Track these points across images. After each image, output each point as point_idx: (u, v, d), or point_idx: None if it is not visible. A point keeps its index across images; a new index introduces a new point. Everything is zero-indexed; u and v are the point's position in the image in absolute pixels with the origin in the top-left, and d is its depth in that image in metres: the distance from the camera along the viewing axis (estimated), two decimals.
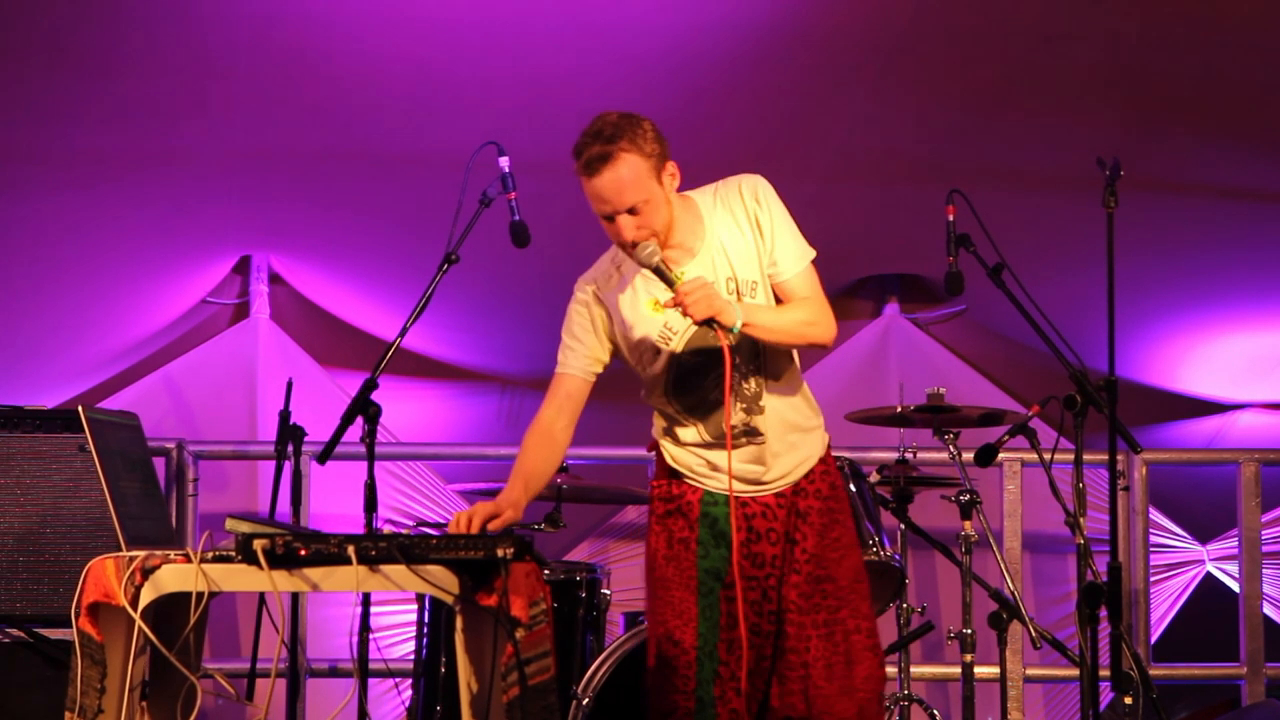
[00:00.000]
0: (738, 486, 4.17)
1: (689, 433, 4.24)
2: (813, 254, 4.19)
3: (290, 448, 5.58)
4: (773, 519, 4.20)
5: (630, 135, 4.05)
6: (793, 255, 4.17)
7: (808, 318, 4.13)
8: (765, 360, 4.19)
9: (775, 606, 4.19)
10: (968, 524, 5.52)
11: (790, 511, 4.21)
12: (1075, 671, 5.49)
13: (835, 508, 4.25)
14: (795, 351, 4.25)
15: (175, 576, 3.95)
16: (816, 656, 4.15)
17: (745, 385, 4.18)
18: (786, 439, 4.21)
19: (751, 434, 4.19)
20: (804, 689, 4.15)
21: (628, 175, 4.03)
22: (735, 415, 4.16)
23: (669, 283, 4.04)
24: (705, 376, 4.17)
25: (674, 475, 4.27)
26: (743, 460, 4.19)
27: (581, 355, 4.33)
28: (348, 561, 3.87)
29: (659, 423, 4.33)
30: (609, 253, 4.30)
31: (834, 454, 4.37)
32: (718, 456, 4.19)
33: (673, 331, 4.17)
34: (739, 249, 4.17)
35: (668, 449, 4.29)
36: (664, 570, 4.22)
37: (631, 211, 4.04)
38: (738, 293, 4.14)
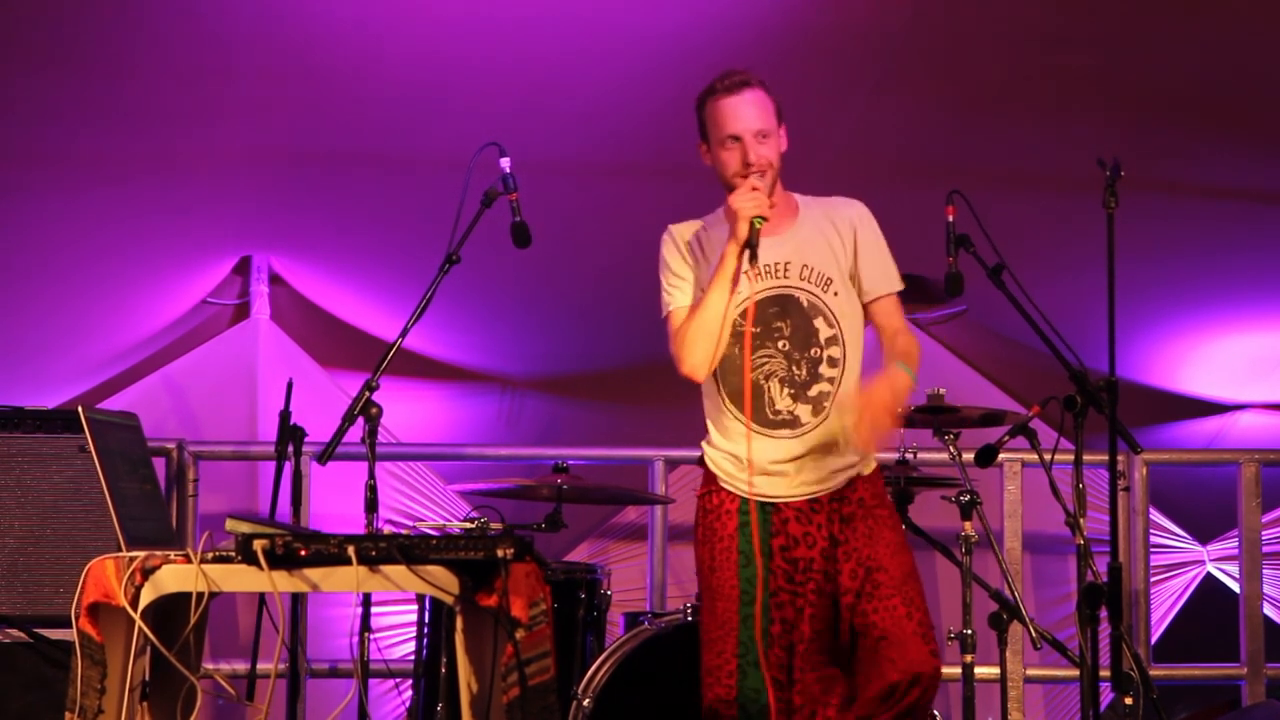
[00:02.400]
0: (766, 488, 4.22)
1: (731, 425, 4.27)
2: (901, 285, 4.33)
3: (290, 448, 5.58)
4: (807, 523, 4.24)
5: (765, 82, 4.29)
6: (888, 275, 4.33)
7: (916, 352, 4.31)
8: (830, 352, 4.24)
9: (821, 612, 4.20)
10: (968, 524, 5.51)
11: (830, 516, 4.24)
12: (1075, 672, 5.49)
13: (882, 515, 4.29)
14: (859, 354, 4.32)
15: (175, 577, 3.95)
16: (859, 641, 4.17)
17: (796, 371, 4.23)
18: (833, 444, 4.24)
19: (792, 423, 4.22)
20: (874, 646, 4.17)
21: (762, 103, 4.26)
22: (781, 400, 4.23)
23: (752, 234, 4.12)
24: (755, 351, 4.24)
25: (713, 482, 4.32)
26: (773, 456, 4.22)
27: (686, 289, 4.36)
28: (348, 562, 3.87)
29: (709, 423, 4.36)
30: (695, 221, 4.41)
31: None
32: (746, 450, 4.23)
33: (737, 295, 4.23)
34: (823, 246, 4.28)
35: (708, 453, 4.35)
36: (709, 580, 4.28)
37: (759, 137, 4.22)
38: (810, 281, 4.25)
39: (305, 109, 6.24)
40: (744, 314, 4.25)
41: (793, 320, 4.25)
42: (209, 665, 6.02)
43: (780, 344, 4.25)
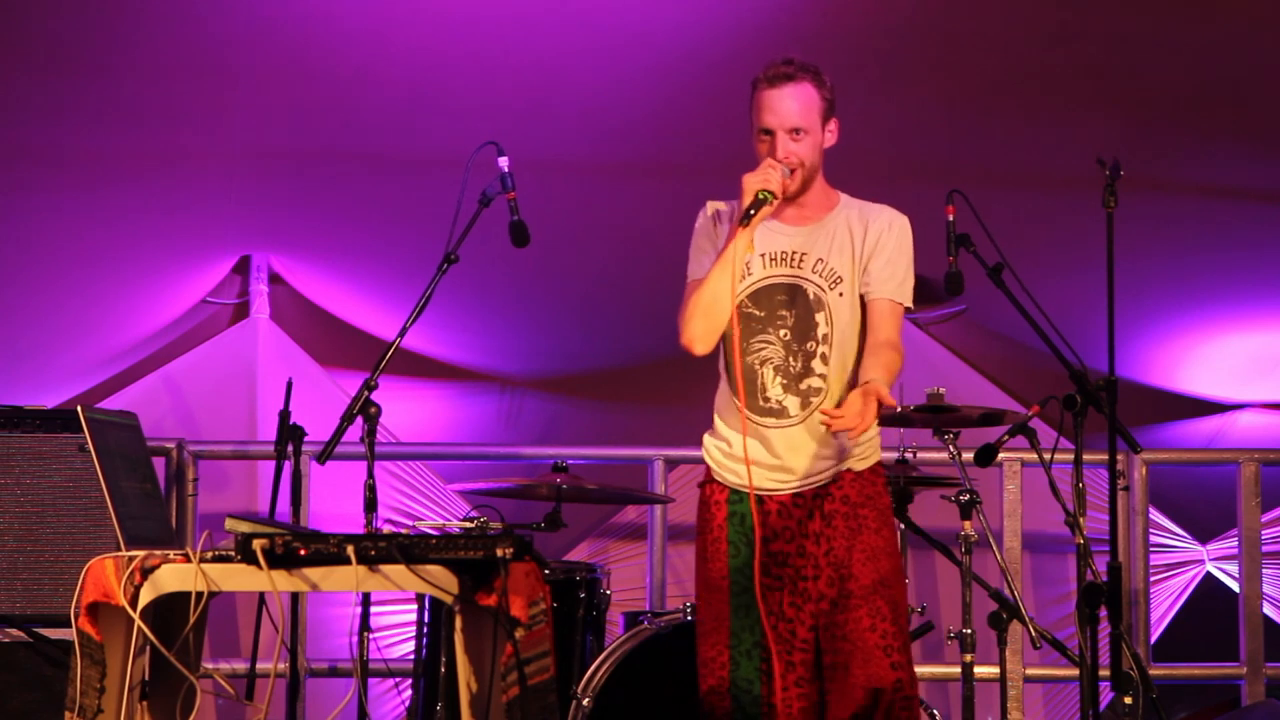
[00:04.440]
0: (756, 479, 4.22)
1: (732, 408, 4.27)
2: (909, 303, 4.31)
3: (290, 448, 5.57)
4: (787, 517, 4.23)
5: (816, 72, 4.26)
6: (894, 281, 4.28)
7: (897, 369, 4.21)
8: (825, 349, 4.24)
9: (814, 604, 4.20)
10: (967, 524, 5.51)
11: (809, 513, 4.23)
12: (1075, 671, 5.49)
13: (866, 516, 4.25)
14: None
15: (175, 576, 3.95)
16: (827, 653, 4.18)
17: (792, 362, 4.24)
18: (817, 443, 4.23)
19: (779, 413, 4.23)
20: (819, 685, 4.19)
21: (804, 98, 4.23)
22: (773, 388, 4.23)
23: (753, 203, 4.14)
24: (755, 335, 4.24)
25: (709, 473, 4.34)
26: (758, 445, 4.22)
27: (706, 262, 4.36)
28: (347, 561, 3.87)
29: (715, 411, 4.36)
30: (733, 201, 4.40)
31: None
32: (737, 441, 4.24)
33: (748, 273, 4.26)
34: (845, 245, 4.27)
35: (705, 442, 4.36)
36: (702, 571, 4.30)
37: (792, 134, 4.20)
38: (821, 276, 4.25)
39: (305, 109, 6.24)
40: (751, 296, 4.26)
41: (797, 311, 4.25)
42: (209, 665, 6.02)
43: (781, 333, 4.26)
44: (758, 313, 4.26)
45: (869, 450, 4.32)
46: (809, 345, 4.24)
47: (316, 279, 7.05)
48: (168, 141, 6.28)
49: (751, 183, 4.16)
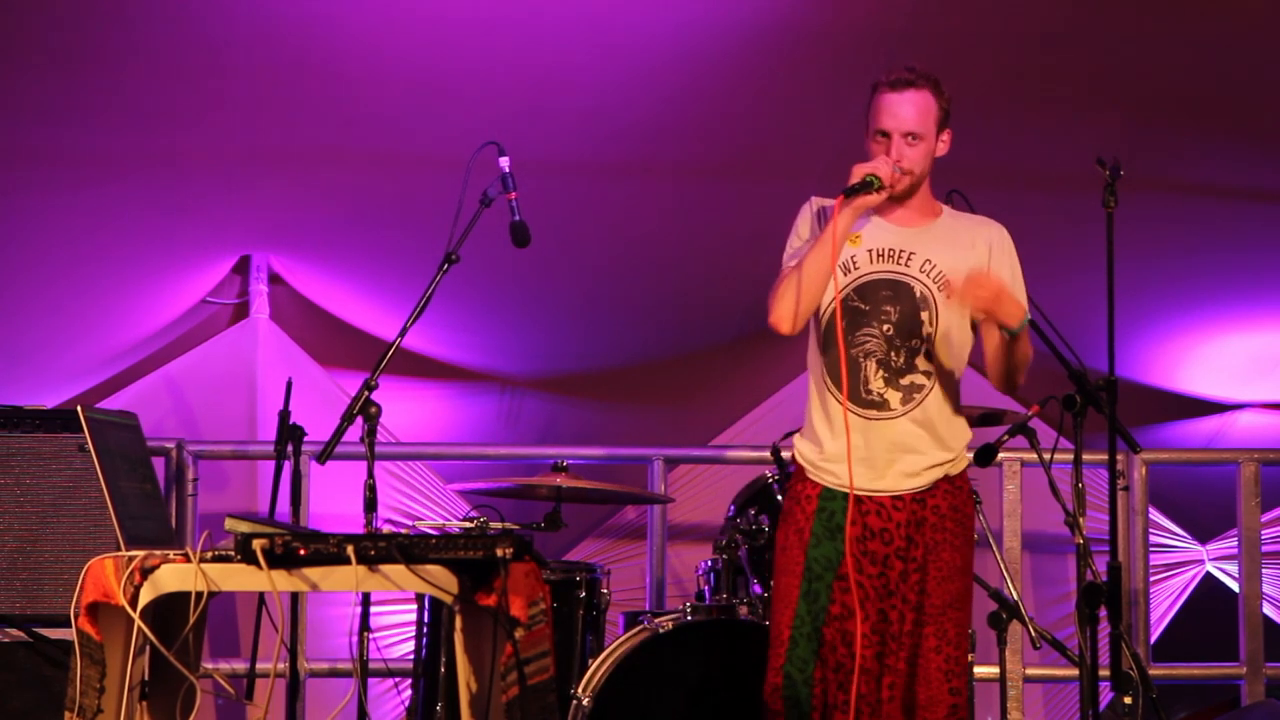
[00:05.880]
0: (855, 479, 4.24)
1: (830, 403, 4.29)
2: (1029, 316, 4.35)
3: (290, 448, 5.57)
4: (887, 519, 4.27)
5: (937, 83, 4.36)
6: (1022, 298, 4.35)
7: (1028, 365, 4.33)
8: (929, 347, 4.28)
9: (903, 604, 4.23)
10: None
11: (910, 517, 4.26)
12: (1075, 671, 5.48)
13: (954, 530, 4.31)
14: (960, 373, 4.37)
15: (174, 576, 3.95)
16: (887, 670, 4.22)
17: (894, 357, 4.27)
18: (919, 439, 4.28)
19: (881, 405, 4.26)
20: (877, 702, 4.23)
21: (922, 105, 4.31)
22: (875, 380, 4.27)
23: (859, 185, 4.19)
24: (859, 328, 4.27)
25: (801, 473, 4.37)
26: (859, 439, 4.24)
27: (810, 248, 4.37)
28: (347, 561, 3.87)
29: (808, 409, 4.38)
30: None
31: None
32: (829, 440, 4.27)
33: (854, 267, 4.29)
34: (954, 250, 4.32)
35: (796, 444, 4.39)
36: (778, 560, 4.34)
37: (908, 139, 4.26)
38: (929, 276, 4.30)
39: (305, 108, 6.24)
40: (857, 290, 4.28)
41: (902, 307, 4.29)
42: (208, 665, 6.02)
43: (885, 327, 4.29)
44: (862, 306, 4.30)
45: (959, 454, 4.37)
46: (913, 342, 4.29)
47: (316, 279, 7.04)
48: (167, 141, 6.28)
49: (861, 168, 4.22)
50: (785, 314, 4.25)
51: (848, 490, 4.26)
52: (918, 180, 4.32)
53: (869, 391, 4.29)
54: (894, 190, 4.27)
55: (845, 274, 4.30)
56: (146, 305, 6.94)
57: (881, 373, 4.29)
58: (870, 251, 4.32)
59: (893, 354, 4.29)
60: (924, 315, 4.30)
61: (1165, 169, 6.56)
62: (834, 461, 4.28)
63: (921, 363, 4.30)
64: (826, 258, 4.19)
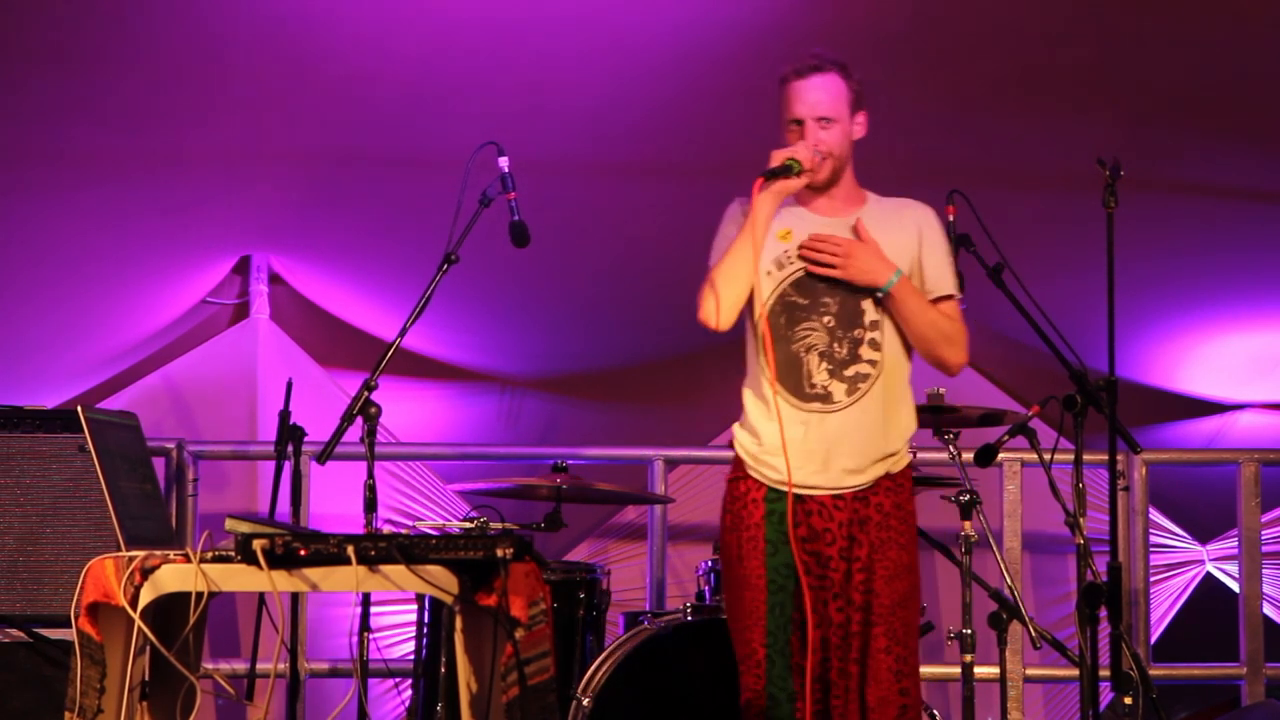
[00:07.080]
0: (794, 476, 4.21)
1: (760, 398, 4.28)
2: (959, 292, 4.35)
3: (290, 448, 5.58)
4: (829, 519, 4.24)
5: (844, 66, 4.35)
6: (946, 277, 4.35)
7: (949, 330, 4.29)
8: (875, 338, 4.26)
9: (848, 605, 4.22)
10: (967, 524, 5.51)
11: (852, 516, 4.24)
12: (1075, 672, 5.49)
13: (898, 529, 4.28)
14: (909, 363, 4.32)
15: (175, 576, 3.95)
16: (840, 675, 4.21)
17: (837, 348, 4.25)
18: (863, 432, 4.25)
19: (825, 398, 4.24)
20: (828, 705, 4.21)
21: (832, 88, 4.31)
22: (818, 374, 4.25)
23: (780, 170, 4.20)
24: (799, 323, 4.25)
25: (741, 467, 4.33)
26: (802, 434, 4.22)
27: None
28: (347, 561, 3.87)
29: (745, 400, 4.36)
30: None
31: None
32: (766, 434, 4.24)
33: (788, 261, 4.28)
34: (884, 236, 4.30)
35: (736, 435, 4.36)
36: (736, 570, 4.29)
37: (821, 123, 4.26)
38: None
39: (305, 108, 6.24)
40: (794, 285, 4.28)
41: (840, 297, 4.27)
42: (209, 665, 6.02)
43: (825, 319, 4.27)
44: (801, 300, 4.28)
45: (902, 451, 4.34)
46: (856, 332, 4.27)
47: (316, 279, 7.04)
48: (167, 141, 6.28)
49: (780, 153, 4.22)
50: (711, 308, 4.25)
51: (789, 488, 4.22)
52: (839, 165, 4.32)
53: (812, 385, 4.26)
54: (816, 177, 4.27)
55: (780, 269, 4.29)
56: (147, 305, 6.94)
57: (825, 365, 4.26)
58: (802, 246, 4.30)
59: (835, 345, 4.26)
60: (864, 304, 4.28)
61: (1165, 169, 6.56)
62: (773, 455, 4.25)
63: (866, 352, 4.27)
64: (748, 244, 4.20)
